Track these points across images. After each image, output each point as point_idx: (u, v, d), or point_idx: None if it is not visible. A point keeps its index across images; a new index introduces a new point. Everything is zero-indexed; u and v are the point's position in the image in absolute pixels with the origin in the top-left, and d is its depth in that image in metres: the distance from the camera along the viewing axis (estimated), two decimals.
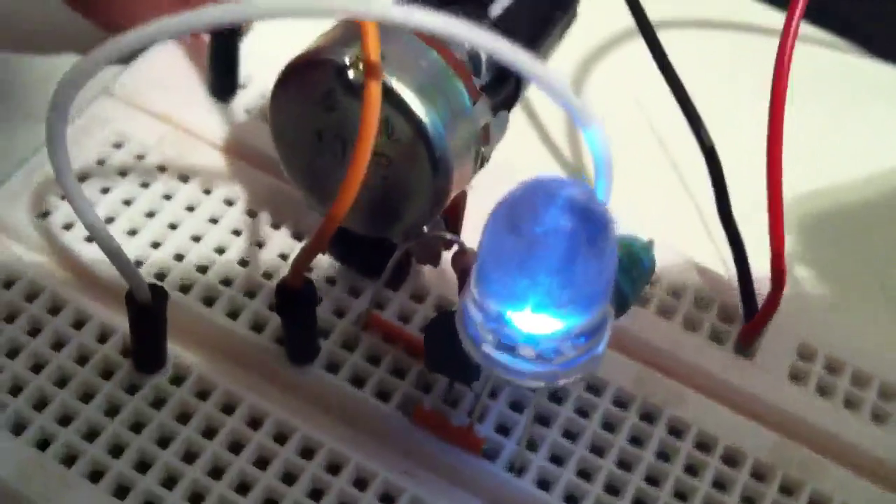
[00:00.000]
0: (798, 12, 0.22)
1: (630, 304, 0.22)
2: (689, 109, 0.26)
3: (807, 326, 0.27)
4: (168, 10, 0.29)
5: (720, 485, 0.25)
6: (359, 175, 0.20)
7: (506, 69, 0.26)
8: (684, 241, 0.28)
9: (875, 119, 0.34)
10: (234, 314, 0.26)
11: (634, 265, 0.22)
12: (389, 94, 0.22)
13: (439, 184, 0.23)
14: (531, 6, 0.26)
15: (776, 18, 0.31)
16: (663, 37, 0.27)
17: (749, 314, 0.26)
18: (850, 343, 0.27)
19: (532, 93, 0.27)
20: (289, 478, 0.23)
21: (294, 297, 0.23)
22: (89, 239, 0.26)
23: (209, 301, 0.26)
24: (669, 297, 0.27)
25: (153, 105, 0.29)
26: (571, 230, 0.18)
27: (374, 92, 0.20)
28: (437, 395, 0.25)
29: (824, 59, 0.35)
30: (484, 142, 0.24)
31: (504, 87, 0.27)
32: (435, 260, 0.25)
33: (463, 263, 0.23)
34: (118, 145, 0.28)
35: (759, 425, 0.26)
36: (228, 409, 0.24)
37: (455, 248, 0.23)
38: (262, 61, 0.30)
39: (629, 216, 0.29)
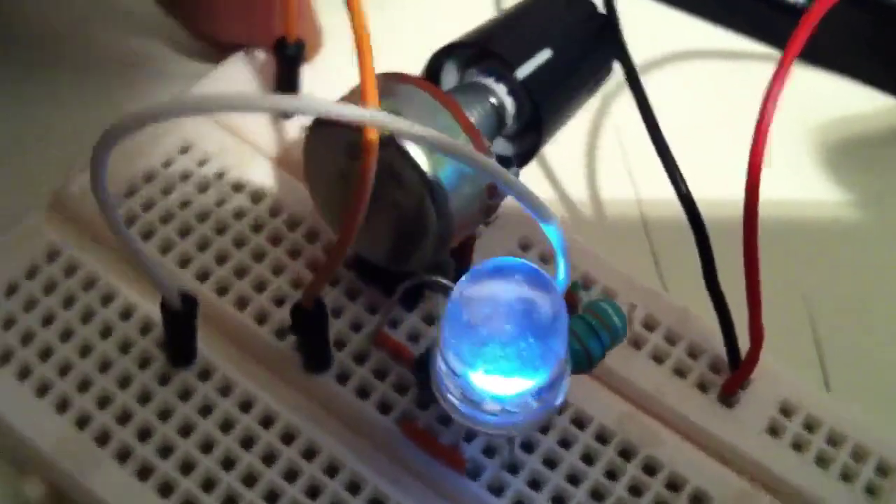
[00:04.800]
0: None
1: (596, 364, 0.24)
2: (678, 181, 0.28)
3: (791, 384, 0.29)
4: (256, 24, 0.32)
5: None
6: (356, 220, 0.23)
7: (530, 123, 0.29)
8: (684, 291, 0.30)
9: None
10: (261, 320, 0.29)
11: (606, 330, 0.24)
12: (399, 149, 0.24)
13: (442, 233, 0.25)
14: (562, 66, 0.28)
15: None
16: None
17: (734, 366, 0.28)
18: (830, 404, 0.28)
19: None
20: (291, 475, 0.26)
21: (306, 317, 0.26)
22: (146, 236, 0.30)
23: (242, 304, 0.29)
24: (664, 343, 0.29)
25: (220, 116, 0.32)
26: (519, 314, 0.20)
27: (372, 142, 0.23)
28: (433, 413, 0.27)
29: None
30: (490, 196, 0.26)
31: (527, 139, 0.29)
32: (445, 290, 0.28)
33: None
34: (184, 150, 0.31)
35: (729, 471, 0.27)
36: (245, 406, 0.27)
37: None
38: (323, 82, 0.33)
39: (629, 265, 0.31)
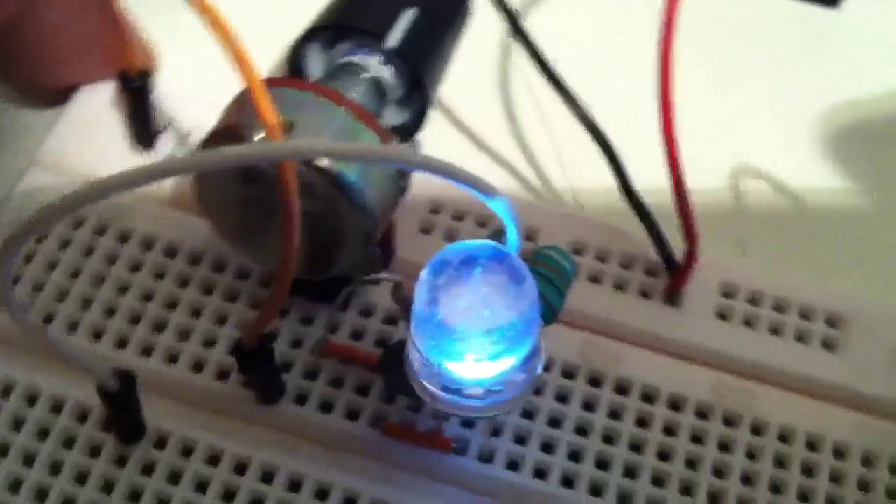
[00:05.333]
0: None
1: (559, 312, 0.24)
2: (581, 113, 0.28)
3: (724, 267, 0.29)
4: (88, 65, 0.30)
5: (669, 430, 0.27)
6: (292, 257, 0.22)
7: (413, 81, 0.28)
8: (601, 208, 0.30)
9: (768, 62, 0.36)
10: (198, 367, 0.27)
11: (559, 276, 0.24)
12: (302, 161, 0.23)
13: (366, 228, 0.24)
14: (427, 22, 0.28)
15: None
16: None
17: (670, 267, 0.29)
18: (767, 275, 0.29)
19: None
20: None
21: (252, 357, 0.25)
22: (47, 320, 0.28)
23: (172, 359, 0.27)
24: (597, 262, 0.29)
25: (81, 168, 0.30)
26: (494, 296, 0.20)
27: (289, 170, 0.21)
28: (400, 404, 0.27)
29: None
30: (402, 177, 0.25)
31: (414, 99, 0.28)
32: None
33: (401, 296, 0.24)
34: None
35: (695, 367, 0.28)
36: (214, 460, 0.26)
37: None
38: (177, 101, 0.31)
39: (546, 191, 0.31)
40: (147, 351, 0.27)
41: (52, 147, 0.31)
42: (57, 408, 0.27)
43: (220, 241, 0.27)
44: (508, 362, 0.21)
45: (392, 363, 0.24)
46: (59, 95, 0.32)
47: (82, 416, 0.26)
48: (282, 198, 0.21)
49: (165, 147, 0.31)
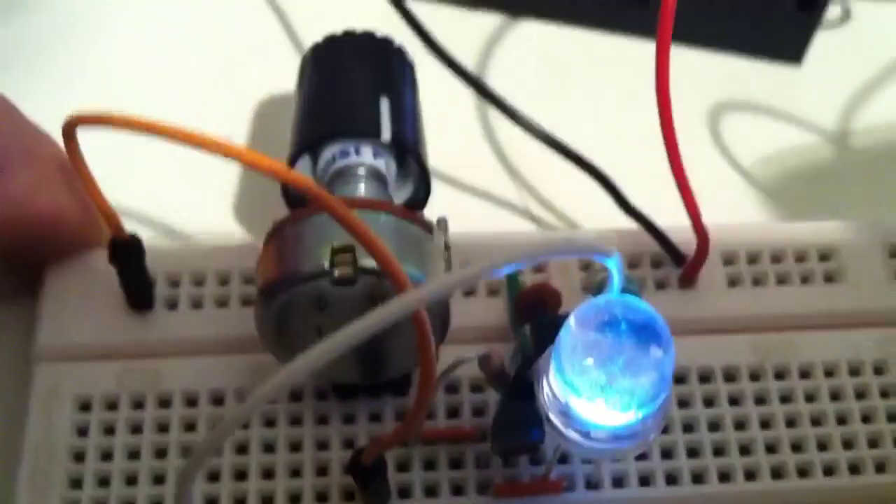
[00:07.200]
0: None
1: None
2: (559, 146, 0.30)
3: (717, 236, 0.31)
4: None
5: (734, 400, 0.29)
6: (431, 388, 0.22)
7: (406, 158, 0.29)
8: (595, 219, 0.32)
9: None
10: (295, 499, 0.27)
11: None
12: (374, 275, 0.24)
13: (441, 313, 0.25)
14: (397, 99, 0.29)
15: None
16: None
17: (677, 260, 0.31)
18: (755, 232, 0.32)
19: None
20: None
21: (370, 471, 0.25)
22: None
23: (267, 501, 0.27)
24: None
25: (89, 349, 0.29)
26: (643, 346, 0.22)
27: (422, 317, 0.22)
28: (496, 465, 0.28)
29: None
30: (448, 254, 0.26)
31: (411, 171, 0.29)
32: None
33: (490, 366, 0.25)
34: (85, 407, 0.28)
35: (730, 337, 0.30)
36: None
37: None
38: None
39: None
40: (240, 502, 0.27)
41: (47, 342, 0.30)
42: None
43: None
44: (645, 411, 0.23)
45: (508, 424, 0.25)
46: (25, 280, 0.30)
47: None
48: (420, 335, 0.21)
49: (161, 300, 0.30)
